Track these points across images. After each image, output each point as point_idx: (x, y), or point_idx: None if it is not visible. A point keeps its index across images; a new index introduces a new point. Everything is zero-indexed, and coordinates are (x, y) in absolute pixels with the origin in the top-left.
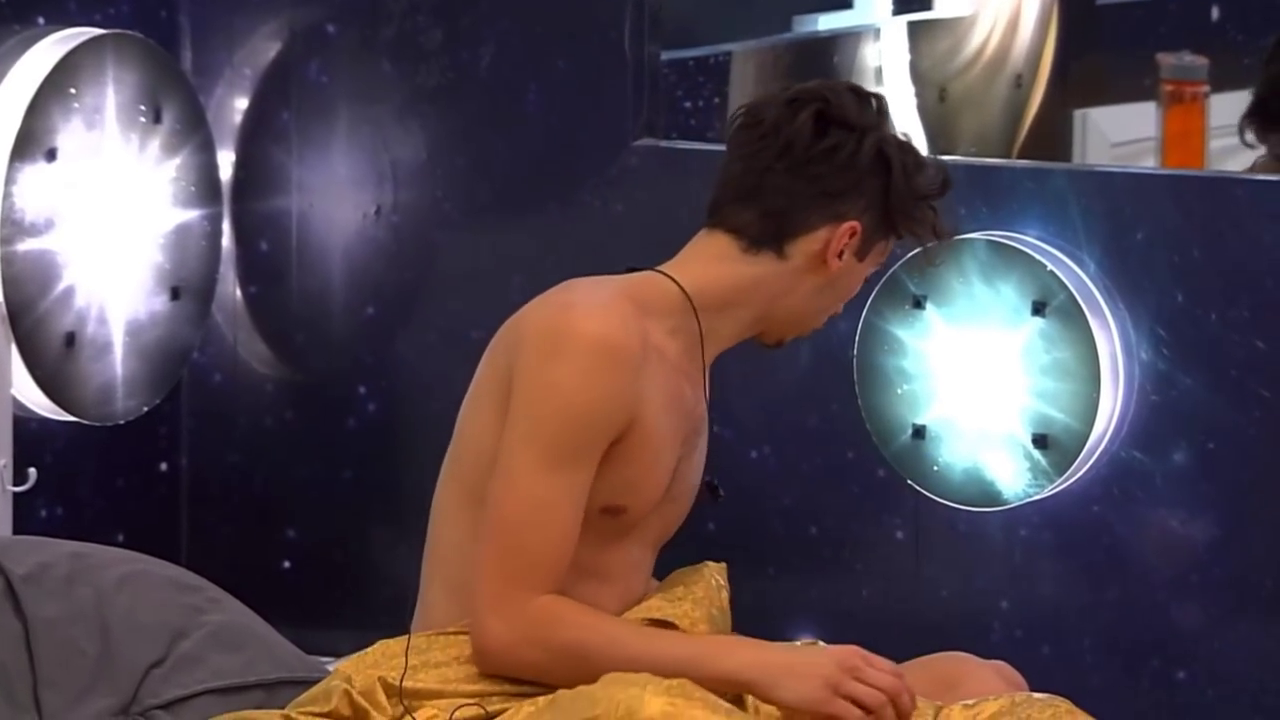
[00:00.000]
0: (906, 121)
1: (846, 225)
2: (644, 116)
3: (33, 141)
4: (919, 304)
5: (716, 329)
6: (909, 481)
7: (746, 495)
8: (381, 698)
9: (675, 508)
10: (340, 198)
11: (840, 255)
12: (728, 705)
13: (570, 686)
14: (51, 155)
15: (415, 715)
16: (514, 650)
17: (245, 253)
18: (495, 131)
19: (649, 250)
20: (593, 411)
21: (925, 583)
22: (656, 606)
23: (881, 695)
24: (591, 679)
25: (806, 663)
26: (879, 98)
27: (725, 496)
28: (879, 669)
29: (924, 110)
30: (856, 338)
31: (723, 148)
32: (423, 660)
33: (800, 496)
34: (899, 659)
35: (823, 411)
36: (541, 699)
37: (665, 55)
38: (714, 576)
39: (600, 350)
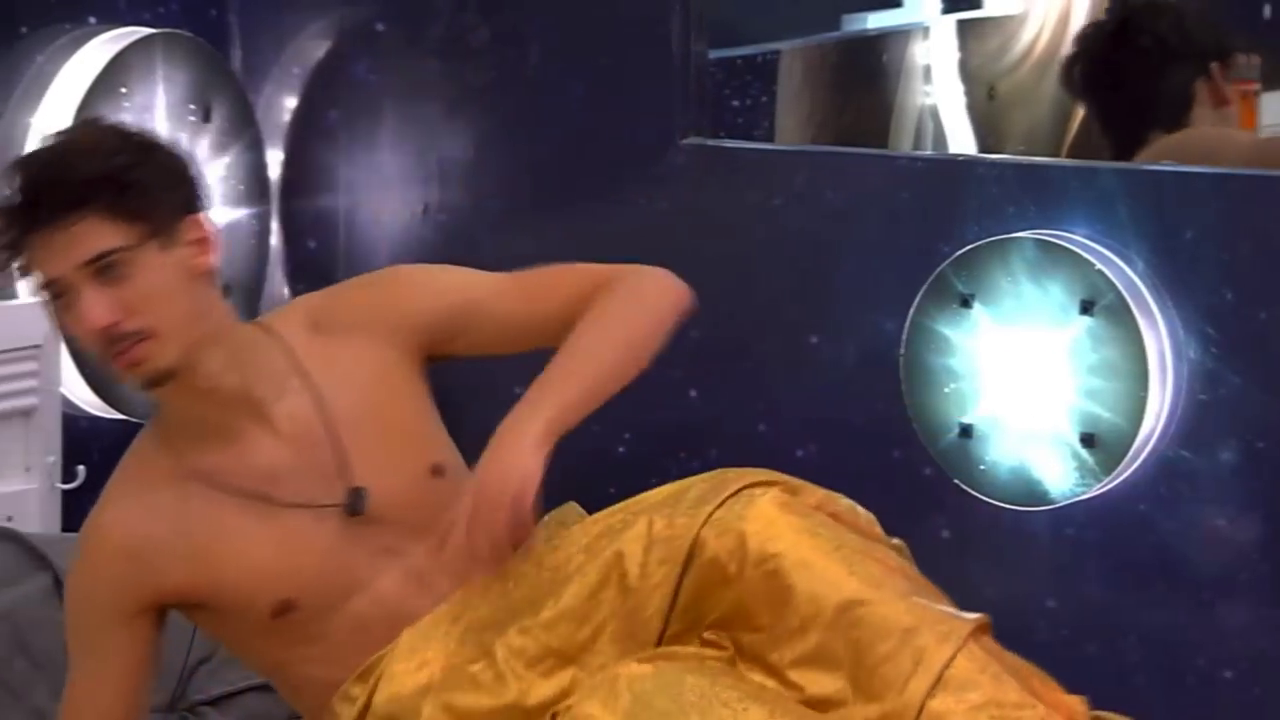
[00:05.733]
0: (955, 120)
1: None
2: (691, 115)
3: None
4: (966, 303)
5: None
6: (955, 480)
7: None
8: None
9: (397, 512)
10: (387, 196)
11: None
12: None
13: None
14: None
15: None
16: None
17: (293, 251)
18: (542, 130)
19: (694, 248)
20: (81, 613)
21: (970, 582)
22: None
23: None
24: None
25: None
26: None
27: (360, 515)
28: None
29: (973, 108)
30: (904, 336)
31: (773, 147)
32: None
33: (845, 495)
34: None
35: (868, 410)
36: None
37: (712, 54)
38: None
39: (81, 570)
